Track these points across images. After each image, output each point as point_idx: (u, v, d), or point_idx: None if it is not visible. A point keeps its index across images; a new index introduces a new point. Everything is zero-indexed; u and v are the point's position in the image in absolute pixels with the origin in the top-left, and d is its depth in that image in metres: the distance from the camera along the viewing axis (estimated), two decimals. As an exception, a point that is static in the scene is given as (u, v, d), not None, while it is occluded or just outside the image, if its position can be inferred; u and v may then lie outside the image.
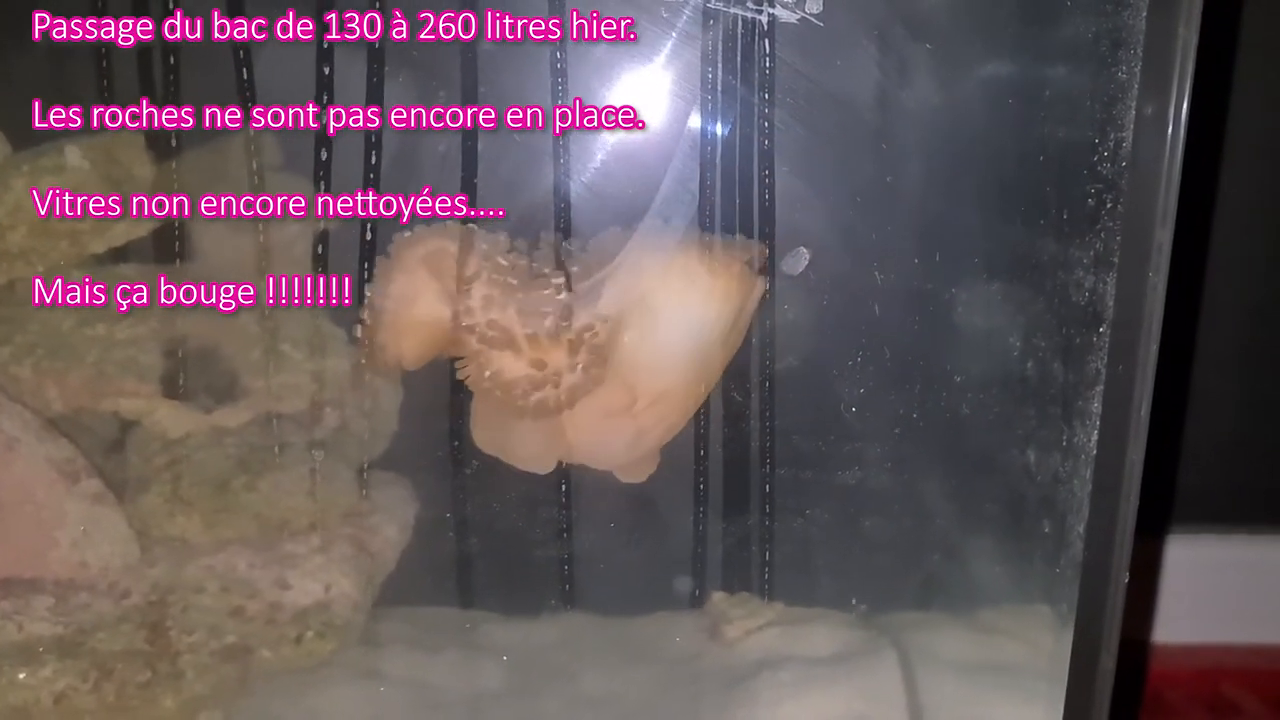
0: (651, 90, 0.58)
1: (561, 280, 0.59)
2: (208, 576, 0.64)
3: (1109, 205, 0.37)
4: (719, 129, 0.59)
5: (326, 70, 0.59)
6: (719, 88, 0.56)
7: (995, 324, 0.54)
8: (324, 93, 0.61)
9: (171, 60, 0.65)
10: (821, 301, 0.59)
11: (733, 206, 0.57)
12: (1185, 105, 0.35)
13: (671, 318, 0.60)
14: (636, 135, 0.58)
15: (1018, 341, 0.50)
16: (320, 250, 0.65)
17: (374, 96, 0.62)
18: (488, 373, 0.60)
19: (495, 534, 0.70)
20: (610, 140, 0.60)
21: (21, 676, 0.57)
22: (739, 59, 0.56)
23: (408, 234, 0.63)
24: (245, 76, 0.63)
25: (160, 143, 0.66)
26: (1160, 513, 0.91)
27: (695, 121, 0.59)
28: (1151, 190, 0.35)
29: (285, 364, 0.67)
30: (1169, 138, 0.35)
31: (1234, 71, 0.83)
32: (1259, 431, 0.92)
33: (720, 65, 0.57)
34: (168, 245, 0.68)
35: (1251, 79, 0.83)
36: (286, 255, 0.68)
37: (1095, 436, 0.38)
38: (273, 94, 0.64)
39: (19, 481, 0.61)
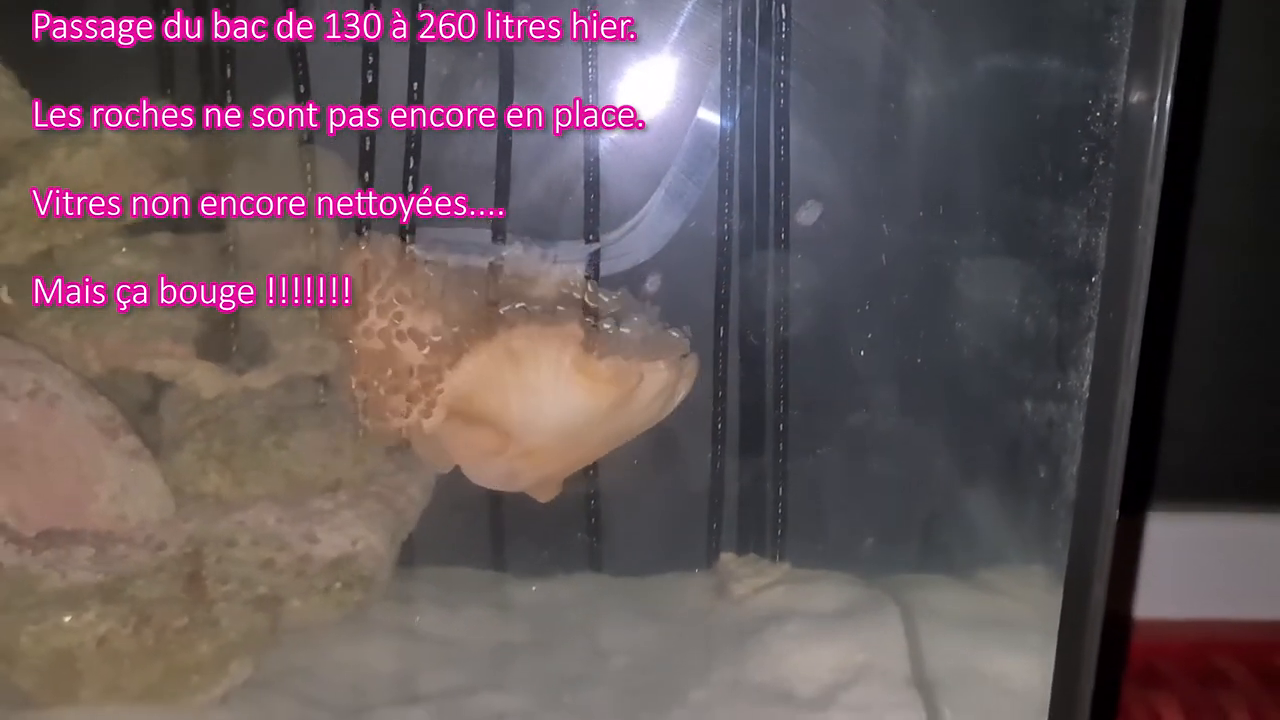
0: (675, 53, 0.60)
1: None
2: (239, 531, 0.67)
3: (1101, 163, 0.39)
4: (737, 90, 0.61)
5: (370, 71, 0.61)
6: (738, 51, 0.58)
7: (995, 277, 0.56)
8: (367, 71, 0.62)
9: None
10: (832, 252, 0.61)
11: (750, 163, 0.60)
12: (1172, 72, 0.37)
13: (532, 388, 0.60)
14: (662, 95, 0.61)
15: (1015, 293, 0.52)
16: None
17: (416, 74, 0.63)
18: (376, 382, 0.61)
19: (513, 497, 0.72)
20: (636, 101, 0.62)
21: (66, 620, 0.60)
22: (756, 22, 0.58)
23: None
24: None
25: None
26: (1145, 491, 0.92)
27: (715, 83, 0.61)
28: (1141, 147, 0.38)
29: (313, 328, 0.69)
30: (1157, 101, 0.38)
31: (1220, 42, 0.84)
32: (1241, 411, 0.94)
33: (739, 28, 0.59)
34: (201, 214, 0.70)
35: (1240, 50, 0.84)
36: (310, 228, 0.70)
37: (1088, 380, 0.41)
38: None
39: (61, 437, 0.63)
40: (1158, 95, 0.38)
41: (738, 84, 0.60)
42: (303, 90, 0.65)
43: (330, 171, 0.69)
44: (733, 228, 0.62)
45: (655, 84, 0.61)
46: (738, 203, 0.61)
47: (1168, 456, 0.93)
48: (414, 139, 0.63)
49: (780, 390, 0.66)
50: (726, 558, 0.78)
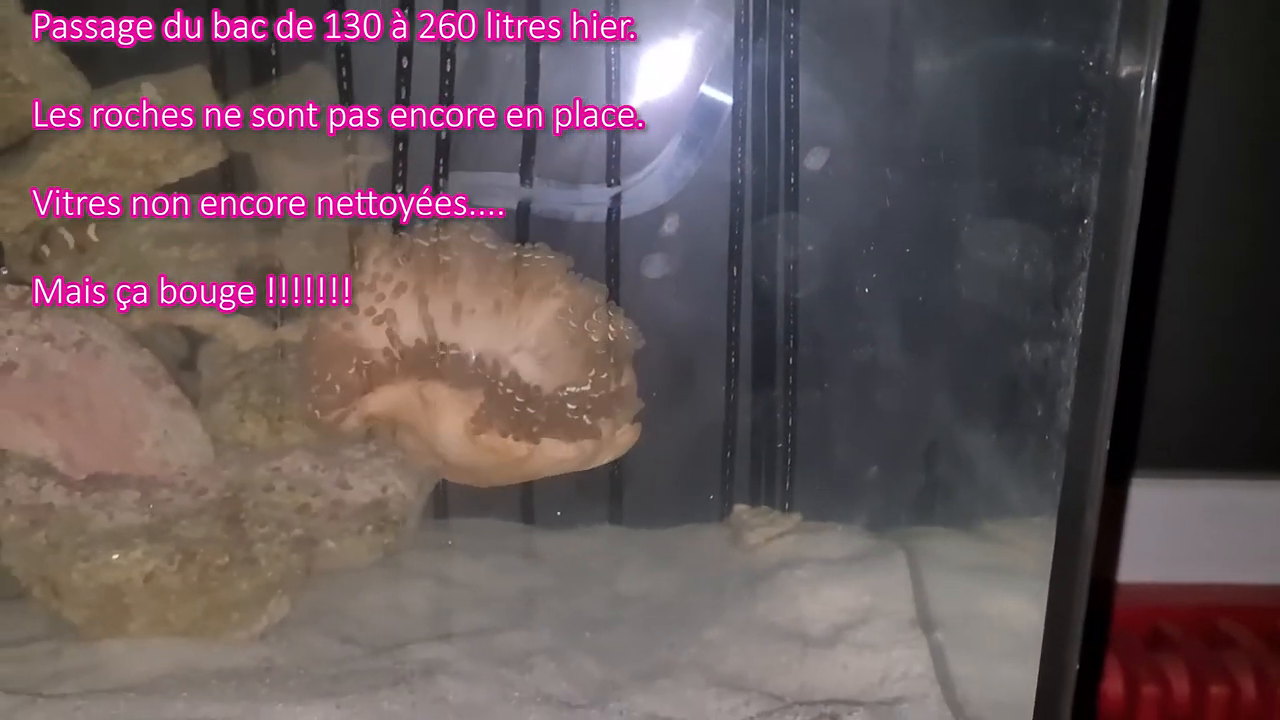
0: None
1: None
2: (275, 477, 0.70)
3: (1094, 110, 0.42)
4: (750, 41, 0.63)
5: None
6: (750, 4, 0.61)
7: (993, 220, 0.59)
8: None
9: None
10: (838, 198, 0.64)
11: (762, 110, 0.62)
12: (1163, 19, 0.40)
13: (435, 430, 0.62)
14: (682, 49, 0.63)
15: (1013, 236, 0.55)
16: (400, 171, 0.69)
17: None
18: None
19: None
20: (656, 53, 0.64)
21: (115, 557, 0.63)
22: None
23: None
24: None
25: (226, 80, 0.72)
26: (1129, 460, 0.93)
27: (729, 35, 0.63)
28: (1131, 95, 0.40)
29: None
30: (1147, 51, 0.40)
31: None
32: (1227, 380, 0.94)
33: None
34: (232, 176, 0.73)
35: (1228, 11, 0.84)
36: (343, 186, 0.73)
37: (1080, 318, 0.43)
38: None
39: (107, 386, 0.66)
40: (1149, 44, 0.41)
41: (750, 36, 0.62)
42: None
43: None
44: (745, 172, 0.65)
45: (672, 33, 0.63)
46: (750, 149, 0.64)
47: (1165, 423, 0.94)
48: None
49: (790, 328, 0.68)
50: (740, 509, 0.81)
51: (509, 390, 0.62)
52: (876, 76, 0.65)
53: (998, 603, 0.69)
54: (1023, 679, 0.52)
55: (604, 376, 0.65)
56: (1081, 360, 0.44)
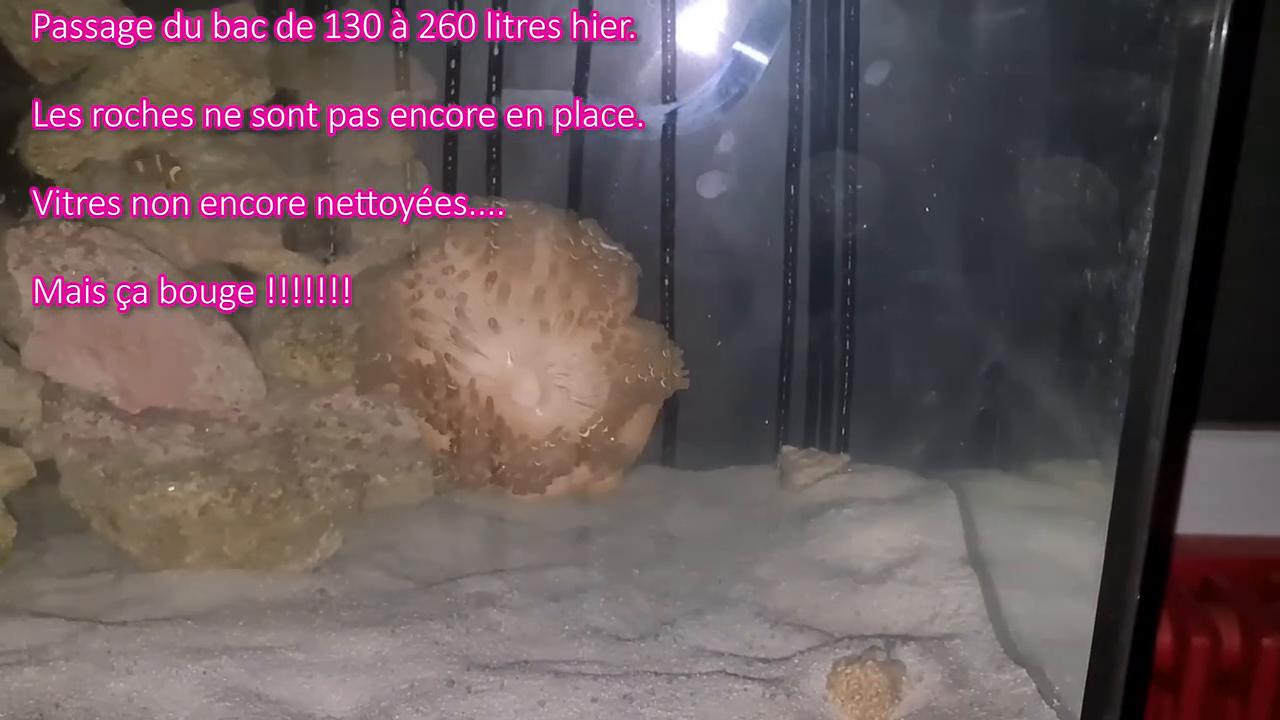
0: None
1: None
2: (326, 413, 0.71)
3: (1166, 20, 0.41)
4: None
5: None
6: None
7: (1058, 138, 0.57)
8: None
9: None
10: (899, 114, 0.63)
11: (821, 23, 0.61)
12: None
13: None
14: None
15: (1080, 154, 0.53)
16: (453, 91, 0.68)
17: None
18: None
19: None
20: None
21: (170, 489, 0.64)
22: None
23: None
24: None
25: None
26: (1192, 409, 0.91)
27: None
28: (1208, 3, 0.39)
29: (391, 221, 0.72)
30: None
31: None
32: None
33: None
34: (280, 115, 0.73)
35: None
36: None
37: (1148, 238, 0.42)
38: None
39: (161, 321, 0.67)
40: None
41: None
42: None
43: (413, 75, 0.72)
44: (804, 88, 0.63)
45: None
46: (809, 63, 0.63)
47: (1219, 376, 0.92)
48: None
49: (849, 250, 0.68)
50: (788, 450, 0.80)
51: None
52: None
53: (1051, 542, 0.68)
54: (1077, 616, 0.51)
55: (604, 429, 0.68)
56: (1148, 281, 0.43)
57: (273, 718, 0.52)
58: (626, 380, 0.67)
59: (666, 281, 0.72)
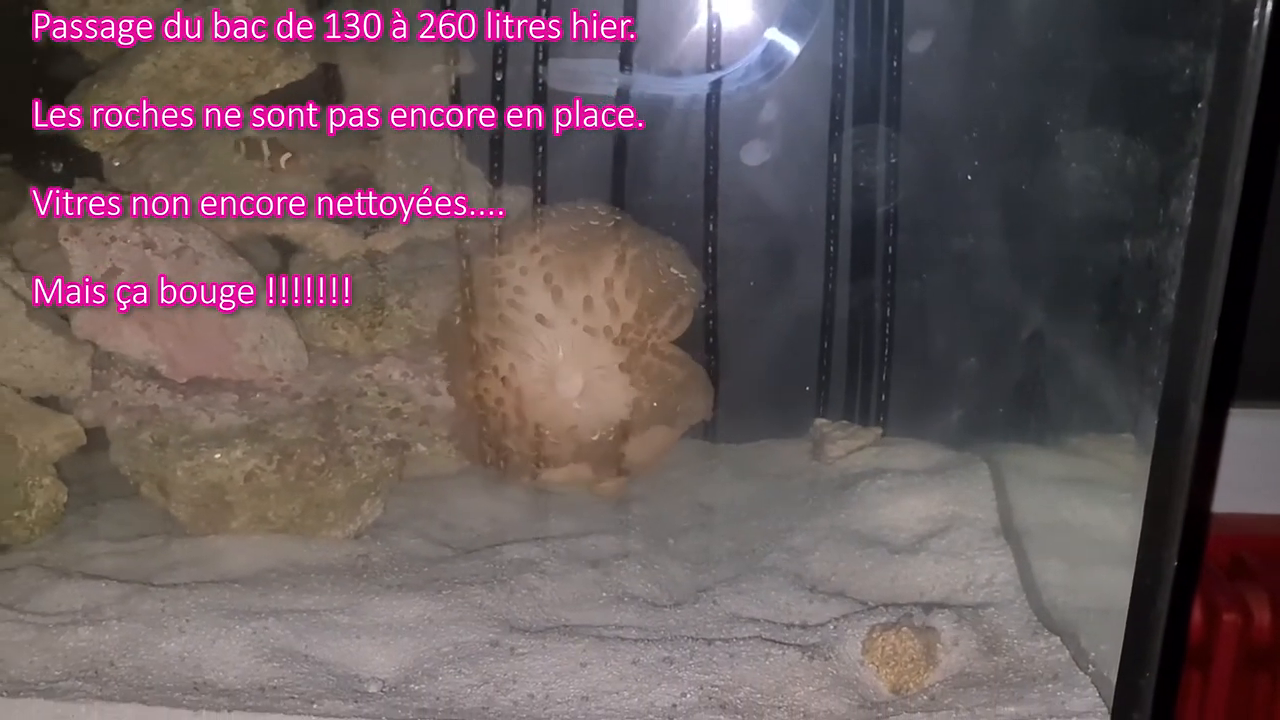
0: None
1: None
2: (367, 383, 0.72)
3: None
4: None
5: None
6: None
7: (1101, 106, 0.57)
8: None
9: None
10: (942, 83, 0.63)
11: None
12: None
13: None
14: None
15: (1122, 122, 0.53)
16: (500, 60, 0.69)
17: None
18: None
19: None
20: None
21: (217, 456, 0.65)
22: None
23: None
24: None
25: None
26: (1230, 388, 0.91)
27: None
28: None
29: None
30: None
31: None
32: None
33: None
34: (321, 88, 0.74)
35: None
36: (428, 97, 0.74)
37: (1190, 206, 0.42)
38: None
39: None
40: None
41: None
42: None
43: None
44: (847, 56, 0.64)
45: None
46: (852, 32, 0.63)
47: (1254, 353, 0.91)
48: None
49: (891, 219, 0.68)
50: (820, 423, 0.81)
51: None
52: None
53: (1086, 513, 0.68)
54: (1112, 586, 0.51)
55: (612, 439, 0.71)
56: (1190, 248, 0.43)
57: (319, 678, 0.54)
58: (644, 402, 0.71)
59: (710, 249, 0.72)
